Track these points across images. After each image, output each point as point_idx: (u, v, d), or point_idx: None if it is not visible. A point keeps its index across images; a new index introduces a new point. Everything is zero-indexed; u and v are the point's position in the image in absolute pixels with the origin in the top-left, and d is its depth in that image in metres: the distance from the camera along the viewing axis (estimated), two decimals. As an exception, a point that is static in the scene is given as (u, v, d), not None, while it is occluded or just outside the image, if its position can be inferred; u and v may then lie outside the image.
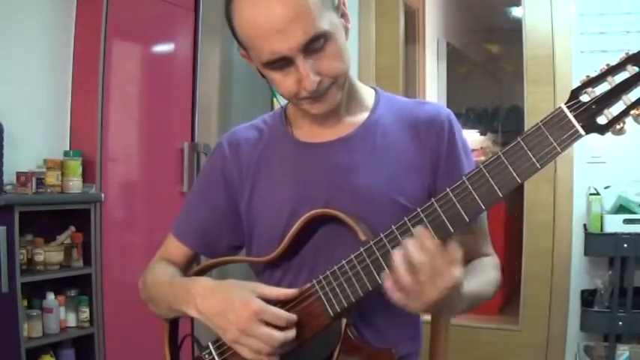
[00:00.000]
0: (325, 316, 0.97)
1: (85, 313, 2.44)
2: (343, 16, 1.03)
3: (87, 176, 2.51)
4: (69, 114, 2.65)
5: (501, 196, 0.86)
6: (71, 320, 2.42)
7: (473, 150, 4.81)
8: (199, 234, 1.19)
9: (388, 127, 1.11)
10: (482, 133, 6.10)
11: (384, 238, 0.92)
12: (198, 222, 1.19)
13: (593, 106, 0.82)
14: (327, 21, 0.96)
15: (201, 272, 1.15)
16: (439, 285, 0.84)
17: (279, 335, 0.94)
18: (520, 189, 2.94)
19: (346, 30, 1.03)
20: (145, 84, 2.81)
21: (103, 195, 2.53)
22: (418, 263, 0.84)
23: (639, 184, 2.65)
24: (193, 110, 2.98)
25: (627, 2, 2.77)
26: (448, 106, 1.16)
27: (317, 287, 0.98)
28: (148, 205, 2.82)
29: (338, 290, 0.96)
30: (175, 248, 1.20)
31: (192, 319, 1.05)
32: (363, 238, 0.96)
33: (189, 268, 1.21)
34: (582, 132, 0.82)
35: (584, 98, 0.83)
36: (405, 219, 0.91)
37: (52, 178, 2.37)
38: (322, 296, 0.97)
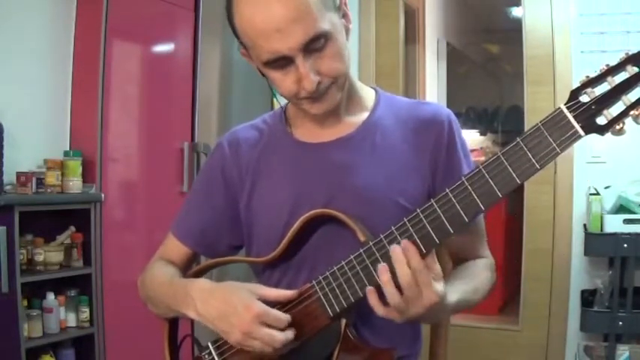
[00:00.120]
0: (325, 317, 0.97)
1: (85, 313, 2.44)
2: (344, 16, 1.03)
3: (87, 176, 2.51)
4: (69, 114, 2.65)
5: (501, 196, 0.86)
6: (71, 320, 2.42)
7: (473, 150, 4.83)
8: (199, 234, 1.19)
9: (388, 127, 1.11)
10: (482, 133, 6.10)
11: (383, 239, 0.92)
12: (197, 222, 1.19)
13: (593, 107, 0.82)
14: (328, 21, 0.96)
15: (200, 272, 1.15)
16: (424, 300, 0.88)
17: (281, 336, 0.94)
18: (520, 189, 2.94)
19: (347, 30, 1.04)
20: (145, 84, 2.81)
21: (103, 195, 2.53)
22: (405, 281, 0.87)
23: (639, 184, 2.65)
24: (193, 110, 2.98)
25: (627, 2, 2.77)
26: (448, 106, 1.17)
27: (317, 288, 0.98)
28: (148, 205, 2.82)
29: (338, 291, 0.96)
30: (175, 248, 1.20)
31: (192, 320, 1.05)
32: (362, 238, 0.96)
33: (188, 268, 1.21)
34: (582, 132, 0.82)
35: (584, 99, 0.83)
36: (405, 220, 0.91)
37: (52, 178, 2.37)
38: (322, 297, 0.97)
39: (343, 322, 0.98)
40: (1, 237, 2.12)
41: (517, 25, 3.34)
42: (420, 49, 4.46)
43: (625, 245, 2.49)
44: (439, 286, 0.89)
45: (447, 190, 0.88)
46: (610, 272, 2.64)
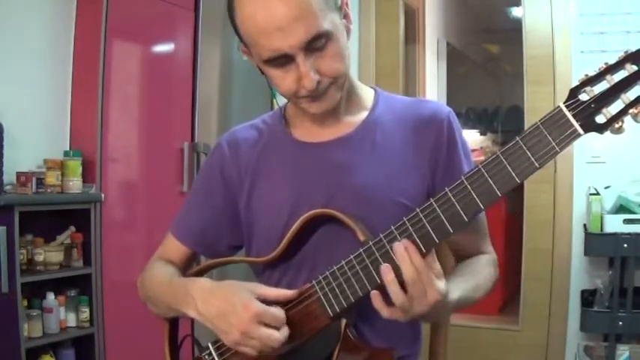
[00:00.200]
0: (325, 317, 0.97)
1: (85, 313, 2.44)
2: (345, 17, 1.03)
3: (87, 176, 2.51)
4: (69, 114, 2.65)
5: (500, 195, 0.86)
6: (71, 320, 2.42)
7: (473, 150, 4.82)
8: (198, 234, 1.19)
9: (387, 126, 1.11)
10: (482, 133, 6.10)
11: (383, 239, 0.92)
12: (197, 222, 1.19)
13: (592, 105, 0.82)
14: (329, 21, 0.97)
15: (200, 272, 1.15)
16: (428, 298, 0.88)
17: (279, 336, 0.94)
18: (520, 189, 2.95)
19: (348, 31, 1.04)
20: (145, 84, 2.81)
21: (103, 195, 2.53)
22: (410, 277, 0.87)
23: (639, 184, 2.65)
24: (193, 110, 2.98)
25: (627, 2, 2.77)
26: (448, 106, 1.16)
27: (317, 288, 0.98)
28: (148, 205, 2.82)
29: (337, 291, 0.96)
30: (174, 248, 1.20)
31: (192, 320, 1.05)
32: (362, 238, 0.96)
33: (188, 268, 1.21)
34: (581, 131, 0.82)
35: (583, 97, 0.83)
36: (404, 219, 0.91)
37: (52, 178, 2.37)
38: (322, 297, 0.97)
39: (343, 322, 0.98)
40: (1, 237, 2.12)
41: (517, 25, 3.34)
42: (420, 49, 4.46)
43: (625, 245, 2.49)
44: (441, 284, 0.89)
45: (447, 190, 0.88)
46: (610, 272, 2.63)
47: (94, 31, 2.54)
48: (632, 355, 2.55)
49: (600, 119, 0.82)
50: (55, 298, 2.35)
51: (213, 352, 1.05)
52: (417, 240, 0.89)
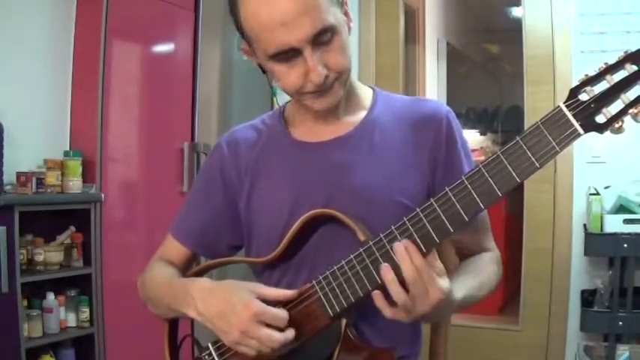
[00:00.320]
0: (325, 317, 0.97)
1: (85, 313, 2.44)
2: (346, 14, 1.04)
3: (87, 176, 2.51)
4: (69, 114, 2.65)
5: (500, 195, 0.86)
6: (71, 320, 2.42)
7: (473, 150, 4.82)
8: (198, 234, 1.19)
9: (386, 125, 1.11)
10: (482, 133, 6.10)
11: (383, 239, 0.92)
12: (197, 222, 1.19)
13: (592, 105, 0.82)
14: (333, 15, 0.97)
15: (201, 272, 1.15)
16: (430, 297, 0.88)
17: (279, 336, 0.94)
18: (520, 188, 2.95)
19: (349, 28, 1.04)
20: (145, 84, 2.81)
21: (103, 195, 2.53)
22: (410, 276, 0.87)
23: (639, 184, 2.65)
24: (193, 110, 2.98)
25: (627, 2, 2.77)
26: (448, 106, 1.15)
27: (317, 288, 0.98)
28: (148, 205, 2.82)
29: (338, 291, 0.96)
30: (174, 249, 1.20)
31: (192, 320, 1.05)
32: (362, 238, 0.96)
33: (188, 268, 1.21)
34: (581, 131, 0.82)
35: (583, 97, 0.83)
36: (405, 219, 0.91)
37: (52, 178, 2.37)
38: (322, 297, 0.97)
39: (343, 321, 0.98)
40: (1, 237, 2.12)
41: (517, 25, 3.34)
42: (420, 49, 4.46)
43: (625, 245, 2.48)
44: (443, 283, 0.89)
45: (447, 189, 0.88)
46: (610, 272, 2.63)
47: (94, 31, 2.54)
48: (632, 355, 2.55)
49: (600, 119, 0.82)
50: (55, 298, 2.35)
51: (213, 352, 1.05)
52: (418, 240, 0.89)
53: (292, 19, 0.93)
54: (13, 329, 2.16)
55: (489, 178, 0.86)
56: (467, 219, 0.88)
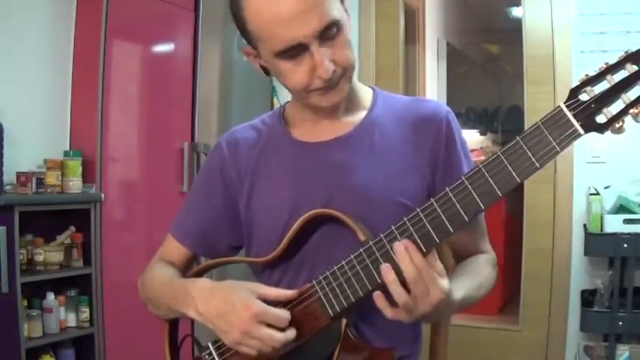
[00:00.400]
0: (325, 317, 0.97)
1: (85, 313, 2.44)
2: (345, 12, 1.04)
3: (87, 176, 2.51)
4: (69, 114, 2.65)
5: (501, 195, 0.86)
6: (71, 320, 2.42)
7: (473, 150, 4.83)
8: (198, 234, 1.19)
9: (386, 125, 1.11)
10: (482, 133, 6.10)
11: (383, 239, 0.92)
12: (197, 222, 1.19)
13: (592, 105, 0.82)
14: (338, 10, 0.98)
15: (201, 272, 1.15)
16: (431, 297, 0.88)
17: (280, 336, 0.94)
18: (520, 188, 2.95)
19: (349, 25, 1.04)
20: (145, 84, 2.81)
21: (103, 195, 2.53)
22: (411, 276, 0.87)
23: (639, 184, 2.65)
24: (193, 110, 2.98)
25: (627, 2, 2.77)
26: (448, 106, 1.16)
27: (317, 288, 0.98)
28: (148, 205, 2.82)
29: (338, 291, 0.96)
30: (174, 249, 1.20)
31: (192, 320, 1.05)
32: (362, 238, 0.96)
33: (188, 268, 1.21)
34: (581, 131, 0.82)
35: (584, 97, 0.83)
36: (405, 219, 0.91)
37: (52, 178, 2.37)
38: (322, 297, 0.97)
39: (344, 321, 0.98)
40: (1, 237, 2.12)
41: (517, 25, 3.34)
42: (420, 49, 4.46)
43: (625, 245, 2.49)
44: (444, 282, 0.89)
45: (447, 190, 0.88)
46: (610, 272, 2.63)
47: (94, 31, 2.54)
48: (632, 355, 2.55)
49: (601, 119, 0.82)
50: (55, 298, 2.35)
51: (214, 352, 1.05)
52: (418, 240, 0.89)
53: (299, 14, 0.93)
54: (13, 329, 2.16)
55: (489, 178, 0.86)
56: (467, 219, 0.88)
